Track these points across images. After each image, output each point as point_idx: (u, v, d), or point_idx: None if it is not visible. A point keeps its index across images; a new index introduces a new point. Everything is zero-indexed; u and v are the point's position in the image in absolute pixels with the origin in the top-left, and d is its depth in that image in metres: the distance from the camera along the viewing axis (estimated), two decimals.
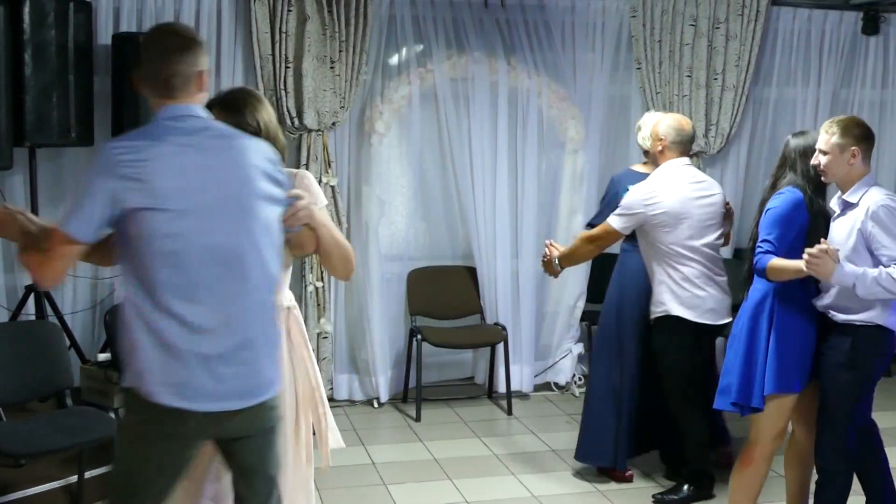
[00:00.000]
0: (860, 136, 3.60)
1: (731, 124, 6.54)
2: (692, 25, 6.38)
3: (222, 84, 5.70)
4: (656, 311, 4.51)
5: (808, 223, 3.74)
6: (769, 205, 3.80)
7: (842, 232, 3.62)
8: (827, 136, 3.63)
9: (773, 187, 3.86)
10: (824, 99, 6.78)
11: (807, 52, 6.77)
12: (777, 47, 6.73)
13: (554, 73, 6.34)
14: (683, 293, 4.44)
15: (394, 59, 6.14)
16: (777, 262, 3.64)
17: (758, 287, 3.87)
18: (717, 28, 6.42)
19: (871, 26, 6.78)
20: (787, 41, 6.75)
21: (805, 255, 3.46)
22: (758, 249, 3.75)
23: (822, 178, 3.71)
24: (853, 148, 3.58)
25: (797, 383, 3.74)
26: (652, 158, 4.74)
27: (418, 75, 6.11)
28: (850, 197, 3.63)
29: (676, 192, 4.44)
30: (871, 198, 3.56)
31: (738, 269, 6.59)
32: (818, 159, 3.66)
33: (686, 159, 4.61)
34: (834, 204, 3.79)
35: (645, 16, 6.35)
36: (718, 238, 4.59)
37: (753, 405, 3.77)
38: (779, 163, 3.91)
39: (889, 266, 3.43)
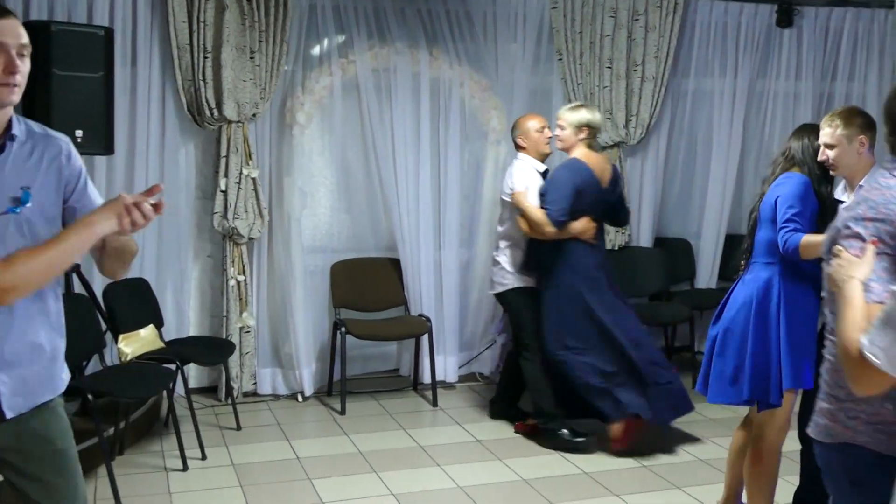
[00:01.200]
0: (864, 124, 3.53)
1: (651, 115, 6.62)
2: (612, 17, 6.44)
3: (138, 76, 5.58)
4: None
5: (818, 210, 3.66)
6: (777, 192, 3.69)
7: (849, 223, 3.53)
8: (831, 130, 3.55)
9: (773, 177, 3.80)
10: (741, 90, 6.90)
11: (723, 43, 6.89)
12: (695, 39, 6.84)
13: (476, 63, 6.34)
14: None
15: (315, 50, 6.08)
16: (809, 238, 3.53)
17: (761, 276, 3.77)
18: (637, 20, 6.49)
19: (785, 19, 6.93)
20: (704, 33, 6.86)
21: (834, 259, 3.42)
22: (784, 229, 3.60)
23: (832, 172, 3.63)
24: (860, 137, 3.51)
25: (810, 378, 3.64)
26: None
27: (340, 66, 6.06)
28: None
29: None
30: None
31: (658, 256, 6.71)
32: (825, 154, 3.58)
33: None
34: (840, 193, 3.74)
35: (566, 7, 6.39)
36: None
37: (772, 402, 3.73)
38: (782, 156, 3.82)
39: None
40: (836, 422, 2.27)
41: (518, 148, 5.41)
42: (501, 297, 5.42)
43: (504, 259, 5.32)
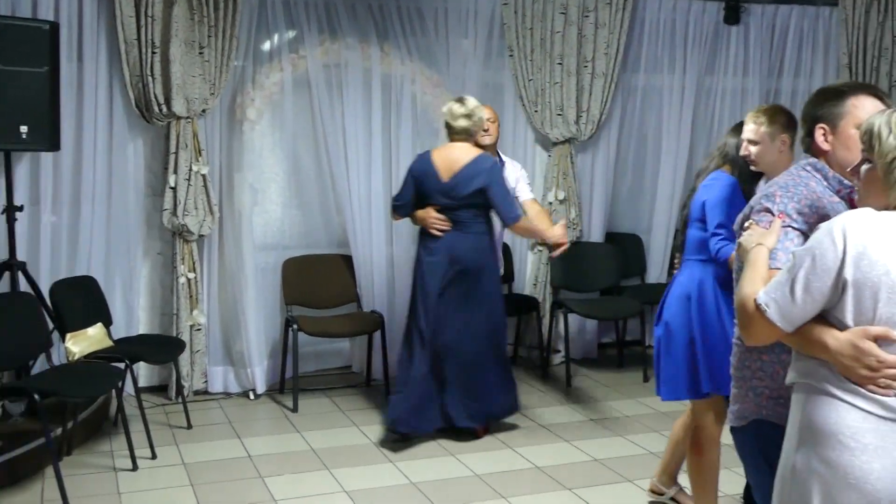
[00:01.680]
0: (787, 123, 3.60)
1: (602, 111, 6.67)
2: (562, 13, 6.48)
3: (85, 71, 5.50)
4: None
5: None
6: (705, 194, 3.78)
7: None
8: (755, 126, 3.63)
9: (706, 172, 3.89)
10: (689, 86, 6.98)
11: (672, 40, 6.96)
12: (644, 36, 6.90)
13: (427, 59, 6.35)
14: None
15: (265, 45, 6.04)
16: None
17: (695, 274, 3.86)
18: (587, 16, 6.53)
19: (733, 16, 7.01)
20: (653, 30, 6.92)
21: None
22: (716, 237, 3.70)
23: (753, 168, 3.70)
24: (783, 136, 3.59)
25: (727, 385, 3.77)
26: (472, 140, 5.19)
27: (290, 61, 6.03)
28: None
29: None
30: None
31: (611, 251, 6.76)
32: (748, 150, 3.66)
33: None
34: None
35: (516, 3, 6.41)
36: None
37: (704, 391, 3.82)
38: (718, 152, 3.91)
39: None
40: (746, 402, 2.49)
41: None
42: None
43: None
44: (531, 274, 6.85)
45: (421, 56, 6.32)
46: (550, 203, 6.63)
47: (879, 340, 2.10)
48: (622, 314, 6.70)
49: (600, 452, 5.08)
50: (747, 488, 4.12)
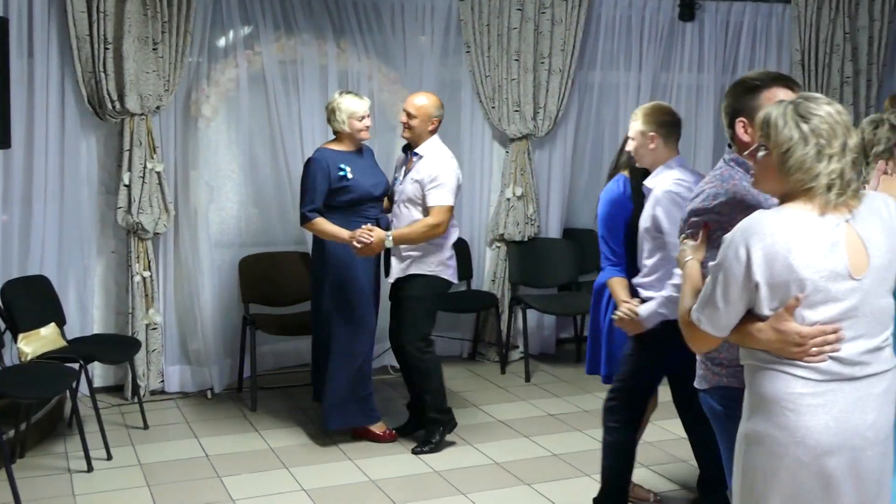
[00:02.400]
0: (658, 121, 3.79)
1: (559, 107, 6.69)
2: (519, 10, 6.49)
3: (36, 67, 5.41)
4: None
5: (632, 213, 3.94)
6: (598, 208, 4.09)
7: (643, 217, 3.77)
8: (632, 123, 3.85)
9: (611, 174, 4.19)
10: (645, 83, 7.02)
11: (628, 37, 7.00)
12: (600, 32, 6.93)
13: (384, 56, 6.33)
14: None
15: (220, 41, 5.99)
16: (614, 284, 3.98)
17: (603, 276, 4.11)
18: (543, 13, 6.55)
19: (688, 13, 7.07)
20: (609, 26, 6.96)
21: (615, 318, 3.83)
22: (602, 255, 4.07)
23: (637, 164, 3.90)
24: (651, 133, 3.77)
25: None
26: (348, 138, 4.98)
27: (246, 58, 5.98)
28: (649, 182, 3.80)
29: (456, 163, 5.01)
30: (660, 183, 3.70)
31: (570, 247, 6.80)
32: (630, 145, 3.89)
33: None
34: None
35: (473, 0, 6.42)
36: None
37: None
38: (619, 148, 4.21)
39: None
40: (707, 370, 2.74)
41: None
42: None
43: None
44: (489, 270, 6.86)
45: (378, 53, 6.30)
46: (508, 199, 6.65)
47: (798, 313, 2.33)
48: (580, 310, 6.73)
49: (559, 447, 5.10)
50: (700, 478, 4.19)
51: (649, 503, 4.35)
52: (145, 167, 5.59)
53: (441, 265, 4.97)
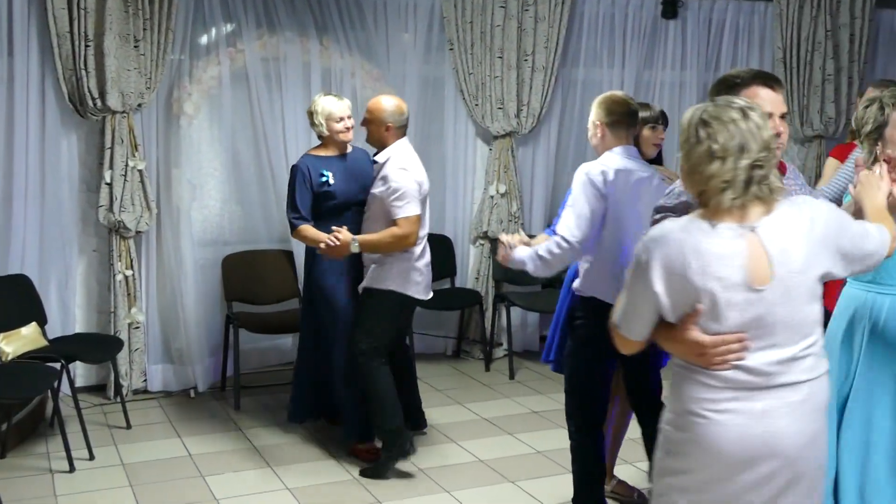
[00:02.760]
0: (606, 112, 3.81)
1: (542, 105, 6.69)
2: (502, 7, 6.48)
3: (16, 65, 5.37)
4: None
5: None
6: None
7: None
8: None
9: None
10: (628, 80, 7.03)
11: (611, 34, 7.01)
12: (583, 30, 6.93)
13: (367, 53, 6.31)
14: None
15: (202, 39, 5.95)
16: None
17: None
18: (527, 10, 6.54)
19: (670, 10, 7.08)
20: (592, 24, 6.96)
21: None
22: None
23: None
24: (598, 123, 3.83)
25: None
26: (331, 142, 4.84)
27: (228, 55, 5.95)
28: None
29: (421, 169, 4.73)
30: (582, 167, 3.78)
31: None
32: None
33: (406, 139, 4.77)
34: None
35: None
36: None
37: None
38: None
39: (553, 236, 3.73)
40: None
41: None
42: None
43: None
44: (473, 268, 6.86)
45: (361, 50, 6.28)
46: (492, 196, 6.64)
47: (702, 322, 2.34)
48: None
49: (543, 444, 5.10)
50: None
51: (633, 500, 4.36)
52: (127, 165, 5.56)
53: (404, 280, 4.66)
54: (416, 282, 4.71)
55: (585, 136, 6.95)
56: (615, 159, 3.75)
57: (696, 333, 2.33)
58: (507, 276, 6.77)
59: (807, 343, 2.36)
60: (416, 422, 5.12)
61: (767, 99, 2.59)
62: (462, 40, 6.46)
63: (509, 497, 4.47)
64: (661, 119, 4.59)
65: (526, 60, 6.60)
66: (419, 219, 4.62)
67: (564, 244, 3.65)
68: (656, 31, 7.15)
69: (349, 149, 4.92)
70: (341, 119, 4.80)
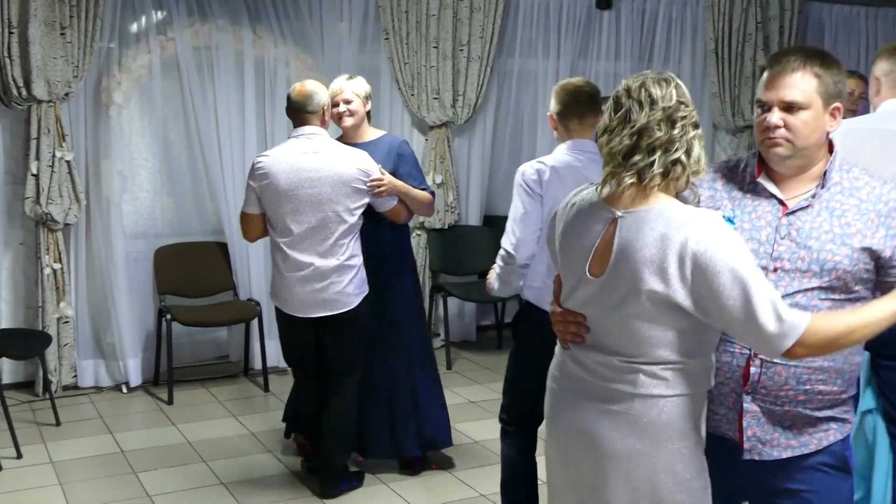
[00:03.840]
0: (553, 101, 3.51)
1: (478, 95, 6.69)
2: None
3: None
4: None
5: None
6: None
7: None
8: None
9: None
10: (563, 70, 7.05)
11: (546, 24, 7.03)
12: (518, 20, 6.94)
13: (302, 42, 6.24)
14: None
15: (132, 26, 5.83)
16: None
17: None
18: (462, 0, 6.53)
19: (605, 1, 7.12)
20: (527, 14, 6.97)
21: None
22: None
23: None
24: (550, 115, 3.55)
25: None
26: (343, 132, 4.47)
27: (159, 43, 5.84)
28: None
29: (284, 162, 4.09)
30: (520, 167, 3.50)
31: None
32: None
33: (309, 127, 4.12)
34: None
35: None
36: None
37: None
38: None
39: None
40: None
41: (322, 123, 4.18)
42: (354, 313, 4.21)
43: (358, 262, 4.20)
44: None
45: (295, 39, 6.21)
46: None
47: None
48: (501, 298, 6.75)
49: (480, 434, 5.11)
50: None
51: None
52: (54, 156, 5.42)
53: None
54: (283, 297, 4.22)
55: (521, 126, 7.13)
56: (557, 156, 3.46)
57: (554, 303, 2.36)
58: (444, 266, 6.76)
59: (641, 359, 2.16)
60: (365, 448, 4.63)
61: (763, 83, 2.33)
62: (397, 30, 6.42)
63: (447, 487, 4.46)
64: None
65: (461, 50, 6.59)
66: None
67: (505, 256, 3.40)
68: (591, 22, 7.19)
69: (368, 136, 4.42)
70: (336, 103, 4.31)
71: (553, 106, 3.48)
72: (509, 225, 3.40)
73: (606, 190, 2.19)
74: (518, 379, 3.65)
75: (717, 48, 7.39)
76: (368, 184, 4.08)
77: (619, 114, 2.14)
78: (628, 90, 2.15)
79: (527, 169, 3.41)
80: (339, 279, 4.07)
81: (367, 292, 4.20)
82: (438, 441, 4.63)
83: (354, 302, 4.13)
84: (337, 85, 4.34)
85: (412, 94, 6.54)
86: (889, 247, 2.21)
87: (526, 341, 3.57)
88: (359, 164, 4.08)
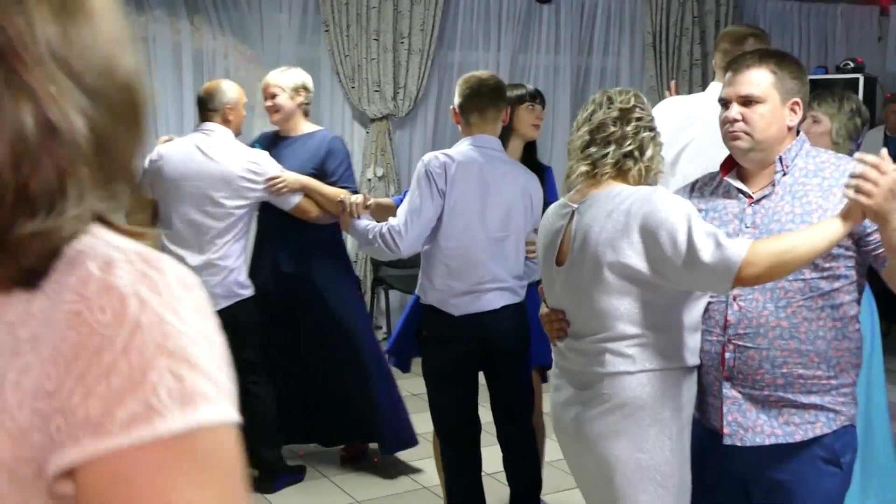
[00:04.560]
0: (456, 93, 3.42)
1: (419, 87, 6.70)
2: None
3: None
4: None
5: None
6: None
7: None
8: None
9: None
10: (504, 63, 7.10)
11: (486, 17, 7.05)
12: (459, 13, 6.96)
13: (241, 33, 6.19)
14: None
15: None
16: None
17: None
18: None
19: None
20: (468, 7, 6.99)
21: None
22: None
23: None
24: (451, 108, 3.47)
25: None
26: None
27: None
28: None
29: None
30: (425, 156, 3.40)
31: None
32: None
33: (209, 124, 4.06)
34: None
35: None
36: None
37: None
38: None
39: None
40: None
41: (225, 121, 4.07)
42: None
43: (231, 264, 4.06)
44: (351, 251, 6.81)
45: (234, 30, 6.16)
46: (370, 179, 6.62)
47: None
48: None
49: (423, 427, 5.11)
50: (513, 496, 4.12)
51: None
52: None
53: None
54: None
55: None
56: (461, 149, 3.32)
57: (543, 304, 2.53)
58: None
59: (605, 336, 2.30)
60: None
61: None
62: (338, 21, 6.40)
63: (391, 479, 4.47)
64: (539, 97, 4.01)
65: (402, 43, 6.58)
66: None
67: (391, 243, 3.19)
68: (531, 15, 7.23)
69: (300, 130, 4.27)
70: (265, 97, 4.21)
71: (455, 98, 3.38)
72: (404, 213, 3.21)
73: (568, 190, 2.44)
74: (434, 394, 3.47)
75: (655, 42, 7.48)
76: (267, 182, 3.98)
77: (582, 116, 2.40)
78: (594, 98, 2.40)
79: (432, 159, 3.25)
80: (206, 278, 3.84)
81: (242, 298, 4.04)
82: (407, 440, 4.50)
83: (221, 304, 3.91)
84: (265, 79, 4.27)
85: (353, 87, 6.52)
86: None
87: (432, 349, 3.41)
88: (248, 164, 3.96)
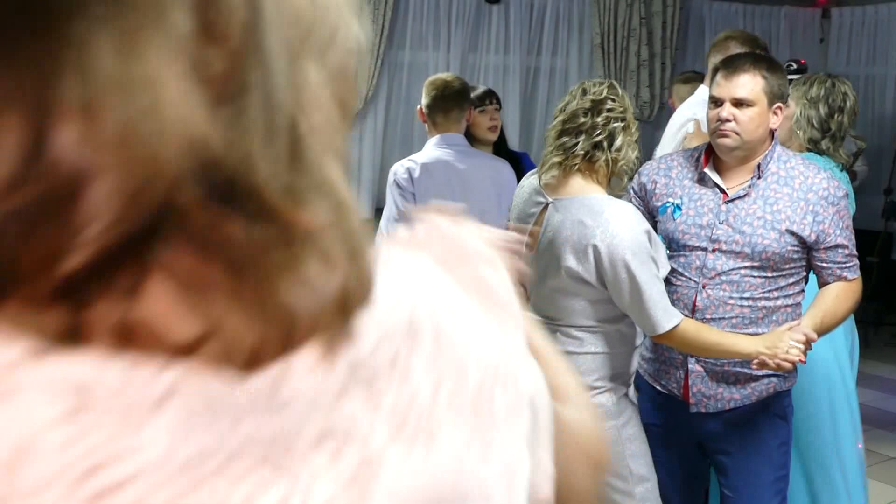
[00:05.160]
0: (423, 95, 3.66)
1: (369, 87, 6.68)
2: None
3: None
4: None
5: None
6: None
7: None
8: None
9: None
10: (454, 63, 7.10)
11: (436, 17, 7.06)
12: (409, 12, 6.96)
13: None
14: None
15: None
16: None
17: None
18: None
19: None
20: (417, 6, 6.99)
21: None
22: None
23: None
24: (419, 109, 3.71)
25: None
26: None
27: None
28: None
29: None
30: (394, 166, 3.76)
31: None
32: None
33: None
34: None
35: None
36: None
37: None
38: None
39: None
40: None
41: None
42: None
43: None
44: None
45: None
46: None
47: None
48: None
49: None
50: None
51: None
52: None
53: None
54: None
55: (412, 119, 7.13)
56: (427, 151, 3.58)
57: None
58: None
59: (559, 322, 2.49)
60: None
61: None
62: None
63: None
64: (489, 99, 4.18)
65: None
66: None
67: None
68: (480, 16, 7.25)
69: None
70: None
71: (423, 99, 3.63)
72: (384, 224, 3.53)
73: (543, 177, 2.50)
74: None
75: (603, 42, 7.54)
76: None
77: (559, 106, 2.50)
78: (572, 90, 2.52)
79: (398, 168, 3.58)
80: None
81: None
82: None
83: None
84: None
85: None
86: (815, 232, 2.52)
87: None
88: None
